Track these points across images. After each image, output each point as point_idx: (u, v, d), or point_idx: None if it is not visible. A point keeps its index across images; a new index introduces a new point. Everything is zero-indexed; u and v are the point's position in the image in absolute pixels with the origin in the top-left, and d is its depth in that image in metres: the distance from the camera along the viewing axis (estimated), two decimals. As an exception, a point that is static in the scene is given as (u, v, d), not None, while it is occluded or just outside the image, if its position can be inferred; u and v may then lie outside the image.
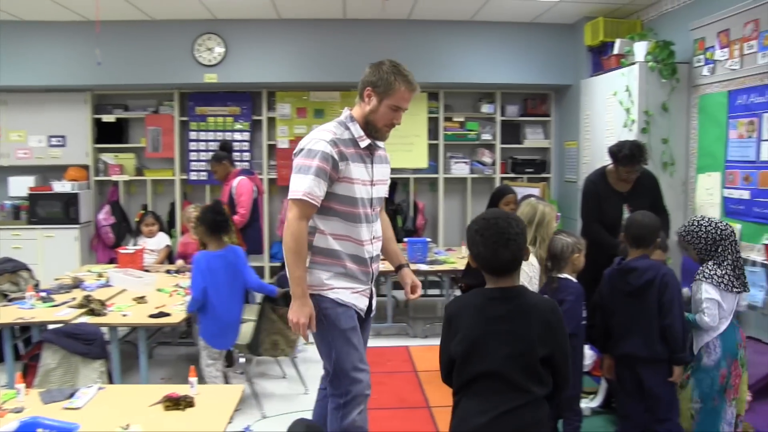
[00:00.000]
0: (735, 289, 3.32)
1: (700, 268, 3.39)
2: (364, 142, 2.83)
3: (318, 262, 2.80)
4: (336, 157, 2.71)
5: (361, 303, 2.92)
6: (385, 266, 5.79)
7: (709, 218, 3.41)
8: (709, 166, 5.12)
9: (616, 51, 5.94)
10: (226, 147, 6.39)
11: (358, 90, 2.85)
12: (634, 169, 4.34)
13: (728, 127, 4.89)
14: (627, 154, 4.29)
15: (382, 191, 3.02)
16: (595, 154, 6.24)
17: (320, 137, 2.73)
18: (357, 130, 2.82)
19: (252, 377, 4.74)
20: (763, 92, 4.53)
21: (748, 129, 4.67)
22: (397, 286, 6.90)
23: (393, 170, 7.47)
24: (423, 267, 5.69)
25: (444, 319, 2.30)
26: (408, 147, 7.65)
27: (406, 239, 6.27)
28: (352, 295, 2.86)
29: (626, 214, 4.44)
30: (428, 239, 6.25)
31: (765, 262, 4.44)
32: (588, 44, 6.65)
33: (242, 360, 4.79)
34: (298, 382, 4.71)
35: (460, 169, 7.75)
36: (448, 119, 7.76)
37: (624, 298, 3.32)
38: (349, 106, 2.91)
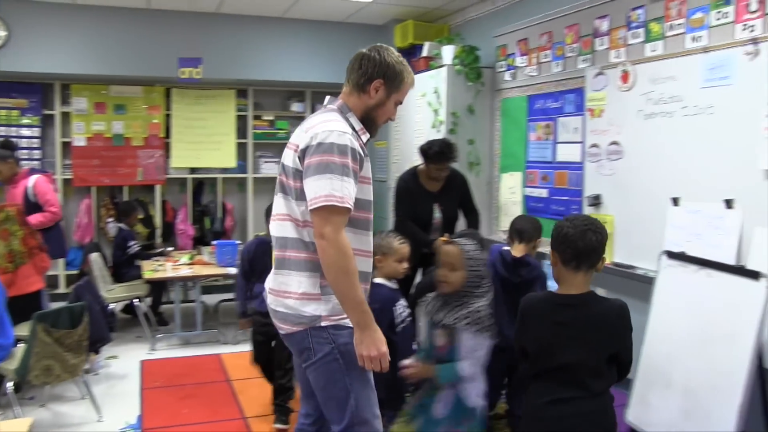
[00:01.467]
0: None
1: None
2: (365, 137, 2.39)
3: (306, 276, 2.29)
4: (361, 153, 2.28)
5: None
6: (194, 271, 5.58)
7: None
8: (512, 166, 5.40)
9: (425, 53, 6.10)
10: (8, 145, 5.72)
11: (357, 80, 2.35)
12: (444, 167, 4.45)
13: (528, 129, 5.19)
14: (437, 151, 4.39)
15: None
16: (404, 154, 6.36)
17: (341, 128, 2.22)
18: (357, 123, 2.36)
19: (47, 401, 4.25)
20: (558, 98, 4.86)
21: (545, 132, 4.98)
22: (207, 290, 6.67)
23: (199, 170, 7.27)
24: (233, 270, 5.43)
25: (518, 312, 2.46)
26: (215, 146, 7.35)
27: (214, 242, 6.00)
28: None
29: (437, 214, 4.54)
30: (238, 242, 6.01)
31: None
32: (398, 46, 6.76)
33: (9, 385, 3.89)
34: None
35: (270, 168, 7.55)
36: (257, 117, 7.54)
37: (510, 288, 3.39)
38: (341, 95, 2.42)
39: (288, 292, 2.27)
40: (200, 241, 7.14)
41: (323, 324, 2.24)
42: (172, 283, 5.92)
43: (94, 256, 5.70)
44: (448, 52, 5.62)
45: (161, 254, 6.23)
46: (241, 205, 7.69)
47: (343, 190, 2.14)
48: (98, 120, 6.95)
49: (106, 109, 6.96)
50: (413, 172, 4.65)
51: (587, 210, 4.51)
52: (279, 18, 6.89)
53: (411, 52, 6.62)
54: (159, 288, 6.12)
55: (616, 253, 4.31)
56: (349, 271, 2.15)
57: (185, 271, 5.59)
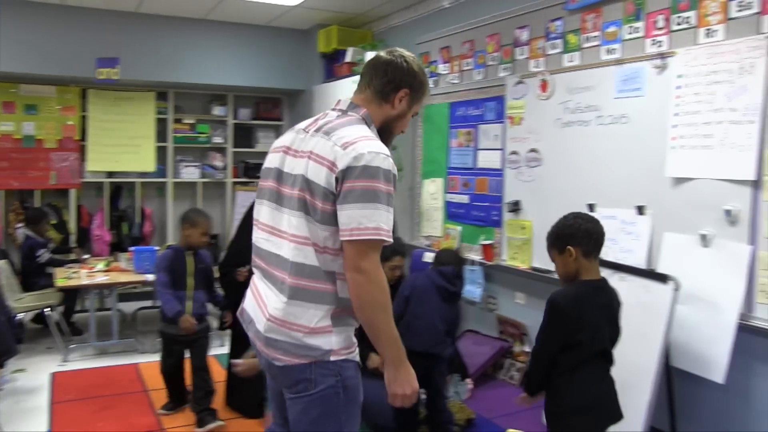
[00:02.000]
0: None
1: None
2: None
3: (343, 316, 2.06)
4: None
5: None
6: (110, 278, 5.40)
7: None
8: (434, 172, 5.46)
9: (348, 59, 6.11)
10: None
11: (382, 87, 2.14)
12: None
13: (450, 136, 5.27)
14: None
15: None
16: (328, 160, 6.34)
17: (385, 150, 1.99)
18: (376, 135, 2.14)
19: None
20: (479, 105, 4.95)
21: (467, 138, 5.06)
22: (124, 298, 6.47)
23: (117, 174, 7.04)
24: (151, 277, 5.26)
25: (554, 311, 2.53)
26: (134, 149, 7.12)
27: (131, 248, 5.82)
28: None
29: None
30: (156, 247, 5.86)
31: (483, 261, 4.83)
32: (321, 51, 6.75)
33: None
34: None
35: (191, 173, 7.40)
36: (177, 121, 7.35)
37: (440, 299, 3.63)
38: (350, 100, 2.19)
39: (298, 325, 2.01)
40: (117, 247, 6.91)
41: (336, 359, 2.03)
42: (86, 291, 5.70)
43: (1, 264, 5.43)
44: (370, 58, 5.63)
45: (75, 261, 5.99)
46: (160, 210, 7.49)
47: (389, 223, 1.95)
48: (6, 120, 6.60)
49: (15, 108, 6.63)
50: None
51: (507, 216, 4.61)
52: (201, 20, 6.76)
53: (334, 57, 6.62)
54: (72, 296, 5.88)
55: (534, 258, 4.41)
56: (387, 307, 1.97)
57: (101, 279, 5.41)
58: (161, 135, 7.28)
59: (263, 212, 2.20)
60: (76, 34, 6.25)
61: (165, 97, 7.27)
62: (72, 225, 6.90)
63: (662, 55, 3.54)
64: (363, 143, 1.96)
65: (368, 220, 1.90)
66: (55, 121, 6.77)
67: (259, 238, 2.21)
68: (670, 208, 3.50)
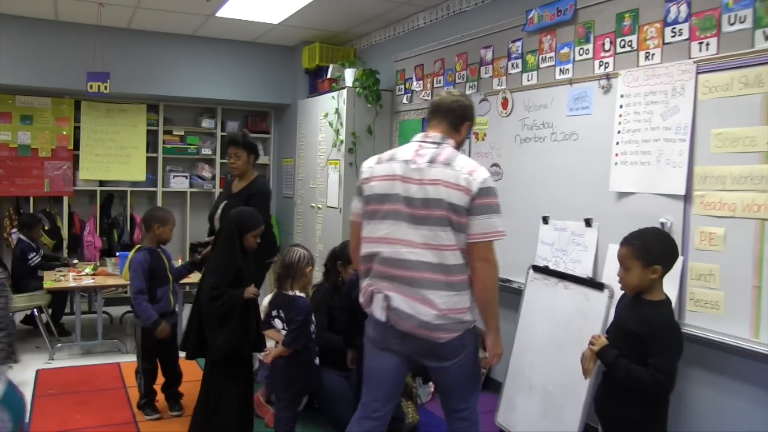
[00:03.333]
0: None
1: None
2: None
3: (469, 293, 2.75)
4: None
5: None
6: (96, 281, 5.61)
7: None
8: (407, 185, 5.67)
9: (329, 75, 6.35)
10: None
11: (454, 121, 2.87)
12: (233, 152, 4.78)
13: (422, 150, 5.48)
14: (228, 138, 4.94)
15: None
16: (309, 171, 6.58)
17: (489, 173, 2.75)
18: None
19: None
20: (450, 121, 5.15)
21: (438, 152, 5.27)
22: (112, 302, 6.70)
23: (108, 183, 7.26)
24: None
25: (675, 329, 2.60)
26: (125, 159, 7.39)
27: (118, 253, 6.06)
28: None
29: (218, 212, 4.78)
30: (143, 253, 6.07)
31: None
32: (305, 67, 7.01)
33: None
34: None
35: (180, 182, 7.65)
36: (167, 132, 7.62)
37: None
38: (436, 133, 2.84)
39: (463, 308, 2.68)
40: (108, 253, 7.15)
41: (473, 327, 2.74)
42: (74, 294, 5.93)
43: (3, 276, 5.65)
44: (349, 75, 5.89)
45: (65, 265, 6.24)
46: (151, 218, 7.72)
47: (503, 225, 2.66)
48: (3, 130, 6.88)
49: (11, 119, 6.91)
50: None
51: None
52: (190, 36, 7.04)
53: (317, 73, 6.88)
54: (62, 298, 6.12)
55: (495, 267, 4.61)
56: (497, 286, 2.73)
57: (87, 282, 5.64)
58: (152, 146, 7.55)
59: (399, 230, 2.73)
60: (70, 48, 6.53)
61: (156, 109, 7.54)
62: (64, 231, 7.15)
63: (608, 76, 3.77)
64: (480, 170, 2.68)
65: (492, 225, 2.63)
66: (49, 131, 7.05)
67: (404, 252, 2.70)
68: (614, 221, 3.70)
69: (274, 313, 3.49)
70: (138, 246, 4.42)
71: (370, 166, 2.88)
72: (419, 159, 2.72)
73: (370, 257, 2.80)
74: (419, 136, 2.86)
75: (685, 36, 3.34)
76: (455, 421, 2.88)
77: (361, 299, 2.87)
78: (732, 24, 3.12)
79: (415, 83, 5.65)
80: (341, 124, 5.88)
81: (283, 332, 3.43)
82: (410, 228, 2.68)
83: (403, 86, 5.84)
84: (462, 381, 2.80)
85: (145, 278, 4.17)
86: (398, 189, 2.71)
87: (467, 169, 2.66)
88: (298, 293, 3.45)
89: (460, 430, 2.86)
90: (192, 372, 4.53)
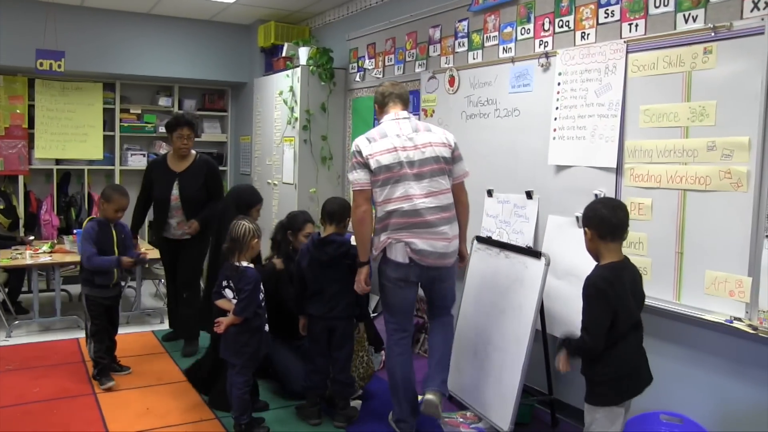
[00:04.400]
0: None
1: None
2: None
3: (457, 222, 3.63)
4: None
5: None
6: (53, 258, 5.63)
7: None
8: (360, 161, 5.81)
9: (284, 54, 6.42)
10: None
11: (406, 100, 3.74)
12: (183, 134, 5.00)
13: (374, 127, 5.60)
14: (172, 120, 5.11)
15: None
16: (265, 148, 6.67)
17: None
18: None
19: None
20: (401, 99, 5.28)
21: (390, 129, 5.40)
22: (71, 280, 6.72)
23: (65, 161, 7.25)
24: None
25: (597, 292, 2.71)
26: (82, 138, 7.38)
27: (75, 231, 6.08)
28: None
29: (175, 191, 4.98)
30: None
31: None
32: (261, 45, 7.06)
33: None
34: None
35: (138, 161, 7.66)
36: (124, 111, 7.62)
37: (320, 267, 3.77)
38: (404, 111, 3.66)
39: (457, 235, 3.54)
40: (66, 231, 7.16)
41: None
42: (32, 272, 5.95)
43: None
44: (303, 53, 5.97)
45: (21, 243, 6.25)
46: (108, 196, 7.73)
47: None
48: (-46, 109, 6.83)
49: (-37, 98, 6.86)
50: (165, 155, 5.19)
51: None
52: (146, 14, 7.03)
53: (273, 52, 6.94)
54: (18, 277, 6.14)
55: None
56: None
57: (44, 259, 5.67)
58: (108, 124, 7.55)
59: (411, 188, 3.42)
60: (22, 25, 6.49)
61: (112, 87, 7.53)
62: (20, 210, 7.13)
63: (547, 55, 3.93)
64: (446, 132, 3.62)
65: (464, 168, 3.62)
66: (2, 110, 6.99)
67: (418, 204, 3.41)
68: (553, 193, 3.90)
69: (225, 283, 3.59)
70: (90, 217, 4.50)
71: (366, 144, 3.49)
72: (405, 131, 3.50)
73: (389, 213, 3.43)
74: (391, 115, 3.60)
75: (617, 17, 3.52)
76: (444, 316, 3.69)
77: (375, 252, 3.52)
78: (657, 7, 3.30)
79: (367, 61, 5.77)
80: (296, 101, 5.97)
81: (234, 301, 3.54)
82: (416, 184, 3.42)
83: (356, 64, 5.95)
84: (452, 287, 3.66)
85: (93, 245, 4.34)
86: (401, 157, 3.42)
87: (441, 131, 3.60)
88: (245, 264, 3.57)
89: (448, 321, 3.70)
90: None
